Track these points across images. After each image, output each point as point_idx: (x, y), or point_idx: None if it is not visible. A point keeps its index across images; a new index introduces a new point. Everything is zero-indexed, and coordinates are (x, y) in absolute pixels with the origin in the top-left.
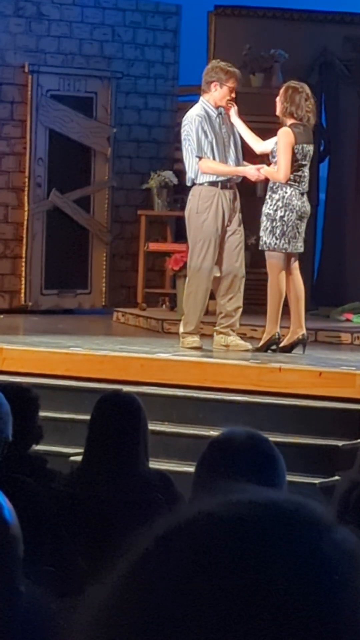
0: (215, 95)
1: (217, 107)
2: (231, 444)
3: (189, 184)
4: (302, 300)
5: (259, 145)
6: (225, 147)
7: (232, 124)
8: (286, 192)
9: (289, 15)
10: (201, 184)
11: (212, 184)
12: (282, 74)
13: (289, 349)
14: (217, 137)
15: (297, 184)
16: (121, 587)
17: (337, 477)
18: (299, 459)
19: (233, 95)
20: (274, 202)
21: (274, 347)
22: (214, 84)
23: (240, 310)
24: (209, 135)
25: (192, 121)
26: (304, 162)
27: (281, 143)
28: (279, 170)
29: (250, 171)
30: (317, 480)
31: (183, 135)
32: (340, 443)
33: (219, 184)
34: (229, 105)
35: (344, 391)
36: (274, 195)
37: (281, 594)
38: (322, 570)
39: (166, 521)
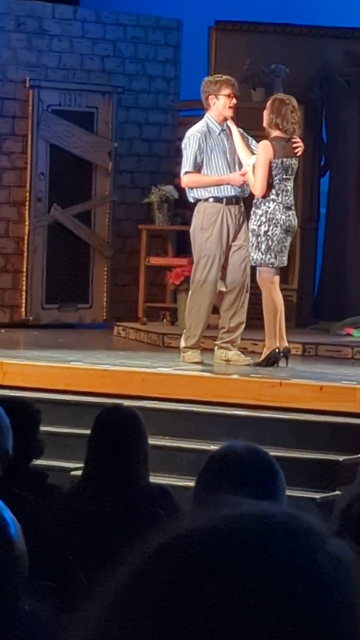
0: (218, 108)
1: (222, 122)
2: (231, 458)
3: (191, 200)
4: (282, 313)
5: (248, 160)
6: (229, 162)
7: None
8: (269, 207)
9: (289, 31)
10: (206, 200)
11: (217, 200)
12: (283, 88)
13: (265, 363)
14: (220, 152)
15: (279, 198)
16: (117, 600)
17: (338, 492)
18: (299, 474)
19: (234, 101)
20: (258, 217)
21: (273, 362)
22: (210, 97)
23: (243, 326)
24: (204, 152)
25: (190, 137)
26: (285, 176)
27: (259, 157)
28: (255, 184)
29: (235, 177)
30: (317, 495)
31: (182, 150)
32: (341, 458)
33: (224, 200)
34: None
35: (345, 405)
36: (257, 211)
37: (276, 605)
38: (316, 582)
39: (163, 534)
